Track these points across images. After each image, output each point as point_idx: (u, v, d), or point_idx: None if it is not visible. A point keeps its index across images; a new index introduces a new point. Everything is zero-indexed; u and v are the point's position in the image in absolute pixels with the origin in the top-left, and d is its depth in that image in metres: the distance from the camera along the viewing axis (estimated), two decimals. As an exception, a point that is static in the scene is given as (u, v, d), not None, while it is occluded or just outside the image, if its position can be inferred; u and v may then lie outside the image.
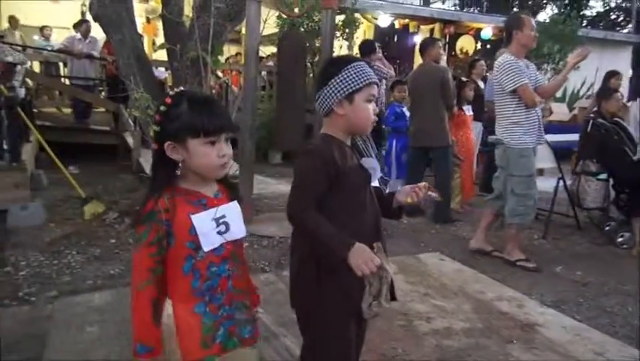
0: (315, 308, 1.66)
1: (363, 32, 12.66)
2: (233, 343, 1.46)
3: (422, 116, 5.14)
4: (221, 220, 1.42)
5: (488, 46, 13.32)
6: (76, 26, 8.25)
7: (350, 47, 11.17)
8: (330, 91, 1.66)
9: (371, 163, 1.82)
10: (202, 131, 1.36)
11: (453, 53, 12.92)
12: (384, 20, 11.93)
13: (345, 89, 1.64)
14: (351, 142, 1.77)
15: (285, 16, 7.58)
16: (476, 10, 23.23)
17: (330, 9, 4.55)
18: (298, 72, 4.51)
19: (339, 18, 10.03)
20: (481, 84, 6.21)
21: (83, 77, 8.18)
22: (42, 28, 9.34)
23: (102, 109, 8.41)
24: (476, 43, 12.94)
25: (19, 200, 4.49)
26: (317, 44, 8.21)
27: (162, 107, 1.38)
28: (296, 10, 6.87)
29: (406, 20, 12.61)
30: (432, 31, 12.72)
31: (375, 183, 1.83)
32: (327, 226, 1.55)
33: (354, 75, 1.65)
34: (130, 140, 7.04)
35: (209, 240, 1.40)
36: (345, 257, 1.50)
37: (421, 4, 19.72)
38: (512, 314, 3.10)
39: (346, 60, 1.72)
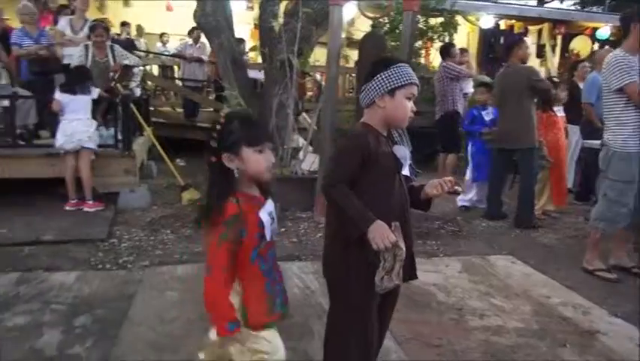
0: (340, 277, 1.86)
1: (467, 35, 12.42)
2: (286, 309, 1.76)
3: (507, 117, 5.03)
4: (271, 214, 1.69)
5: (607, 47, 12.38)
6: (190, 33, 9.09)
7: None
8: (375, 85, 1.85)
9: (402, 152, 1.96)
10: (253, 142, 1.61)
11: (566, 54, 12.18)
12: (486, 22, 11.59)
13: (388, 85, 1.83)
14: (387, 133, 1.94)
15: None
16: (598, 9, 21.53)
17: (410, 12, 4.64)
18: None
19: (438, 20, 9.99)
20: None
21: (192, 79, 8.98)
22: (161, 35, 10.40)
23: (209, 108, 9.18)
24: (593, 43, 12.07)
25: (129, 185, 5.15)
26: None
27: (218, 126, 1.61)
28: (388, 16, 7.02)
29: (512, 21, 12.14)
30: (540, 31, 12.13)
31: (405, 172, 1.98)
32: (353, 201, 1.74)
33: (397, 74, 1.83)
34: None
35: (269, 231, 1.67)
36: (364, 230, 1.68)
37: (535, 4, 18.74)
38: (574, 320, 3.01)
39: (392, 60, 1.94)
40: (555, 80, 5.55)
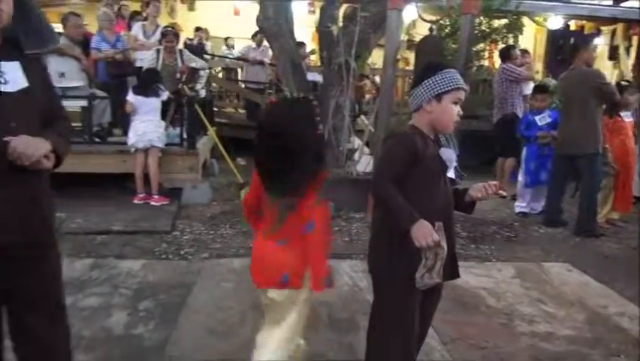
0: (384, 272, 1.93)
1: (534, 36, 12.03)
2: None
3: (569, 122, 4.89)
4: None
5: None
6: (253, 37, 9.39)
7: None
8: (423, 90, 1.91)
9: (448, 154, 2.01)
10: None
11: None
12: (555, 22, 11.18)
13: (435, 90, 1.89)
14: (434, 136, 2.00)
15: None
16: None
17: (469, 14, 4.62)
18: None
19: (502, 22, 9.76)
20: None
21: (255, 81, 9.28)
22: (226, 39, 10.80)
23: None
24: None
25: (192, 181, 5.44)
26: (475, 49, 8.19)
27: None
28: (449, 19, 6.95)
29: (583, 21, 11.65)
30: (614, 32, 11.55)
31: (450, 174, 2.02)
32: (399, 199, 1.80)
33: (445, 79, 1.89)
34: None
35: None
36: (408, 228, 1.75)
37: (609, 3, 17.77)
38: (630, 331, 2.92)
39: (440, 66, 1.98)
40: (624, 83, 5.31)
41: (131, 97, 5.19)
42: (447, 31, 8.46)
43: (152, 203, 5.15)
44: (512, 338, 2.78)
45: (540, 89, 5.67)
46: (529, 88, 6.26)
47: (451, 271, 1.94)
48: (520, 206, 5.55)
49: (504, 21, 9.69)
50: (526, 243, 4.59)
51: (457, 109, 1.92)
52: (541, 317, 3.04)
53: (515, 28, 10.05)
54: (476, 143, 6.90)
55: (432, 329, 2.75)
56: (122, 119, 6.12)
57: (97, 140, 5.62)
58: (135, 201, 5.15)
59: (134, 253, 3.86)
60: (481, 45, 8.86)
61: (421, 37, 7.53)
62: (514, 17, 10.50)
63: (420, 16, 5.53)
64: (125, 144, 5.28)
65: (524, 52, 6.66)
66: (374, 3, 5.42)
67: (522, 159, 5.57)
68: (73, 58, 5.59)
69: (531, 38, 11.22)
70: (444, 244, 1.77)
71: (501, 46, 9.57)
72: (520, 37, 11.00)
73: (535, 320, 2.99)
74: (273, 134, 1.82)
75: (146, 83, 5.24)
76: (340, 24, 5.57)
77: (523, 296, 3.33)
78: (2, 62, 1.51)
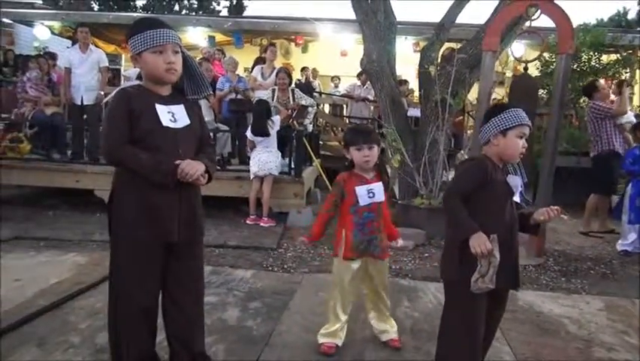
0: (453, 277, 2.26)
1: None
2: (377, 251, 2.77)
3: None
4: (371, 190, 2.74)
5: None
6: (358, 76, 10.05)
7: (631, 87, 10.31)
8: (490, 126, 2.28)
9: (515, 181, 2.32)
10: (352, 143, 2.75)
11: None
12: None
13: (501, 126, 2.24)
14: (502, 165, 2.33)
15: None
16: None
17: (564, 54, 4.78)
18: (527, 115, 4.85)
19: (612, 57, 9.48)
20: None
21: (358, 117, 9.88)
22: (332, 78, 11.61)
23: (372, 144, 9.95)
24: None
25: (296, 206, 6.05)
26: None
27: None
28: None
29: None
30: None
31: (516, 198, 2.33)
32: (464, 213, 2.15)
33: (509, 117, 2.24)
34: (389, 169, 8.26)
35: (364, 200, 2.72)
36: (467, 237, 2.09)
37: None
38: None
39: (505, 106, 2.36)
40: None
41: (249, 135, 5.94)
42: (539, 70, 8.51)
43: (262, 224, 5.81)
44: (587, 361, 2.90)
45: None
46: (625, 118, 6.10)
47: (512, 281, 2.23)
48: (623, 244, 5.42)
49: (615, 56, 9.46)
50: (622, 280, 4.52)
51: (522, 142, 2.24)
52: (622, 346, 3.10)
53: (629, 63, 9.74)
54: (579, 180, 6.82)
55: (508, 347, 3.00)
56: (239, 150, 6.98)
57: (218, 168, 6.45)
58: (248, 222, 5.84)
59: (246, 264, 4.46)
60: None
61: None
62: (629, 52, 10.17)
63: (513, 56, 5.72)
64: (241, 171, 6.04)
65: (620, 83, 6.47)
66: (470, 45, 5.76)
67: (626, 195, 5.46)
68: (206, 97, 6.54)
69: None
70: (497, 254, 2.07)
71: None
72: (638, 72, 10.59)
73: (614, 348, 3.06)
74: None
75: (260, 122, 5.91)
76: (438, 64, 5.95)
77: (607, 328, 3.39)
78: (173, 106, 2.15)
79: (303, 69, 10.80)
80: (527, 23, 5.10)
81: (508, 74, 10.51)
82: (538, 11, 4.81)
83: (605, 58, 9.32)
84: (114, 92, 2.19)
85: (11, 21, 12.22)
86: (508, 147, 2.23)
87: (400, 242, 3.02)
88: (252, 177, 5.86)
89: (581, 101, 8.46)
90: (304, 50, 12.40)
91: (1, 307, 3.15)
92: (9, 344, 2.74)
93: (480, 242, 2.06)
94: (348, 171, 2.80)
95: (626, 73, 9.74)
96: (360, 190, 2.72)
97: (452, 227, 2.25)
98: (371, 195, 2.73)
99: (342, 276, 2.81)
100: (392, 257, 4.72)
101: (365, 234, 2.74)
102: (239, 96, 7.14)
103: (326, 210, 2.84)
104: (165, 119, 2.12)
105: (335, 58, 11.71)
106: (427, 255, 4.92)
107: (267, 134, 5.85)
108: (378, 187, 2.76)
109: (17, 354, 2.64)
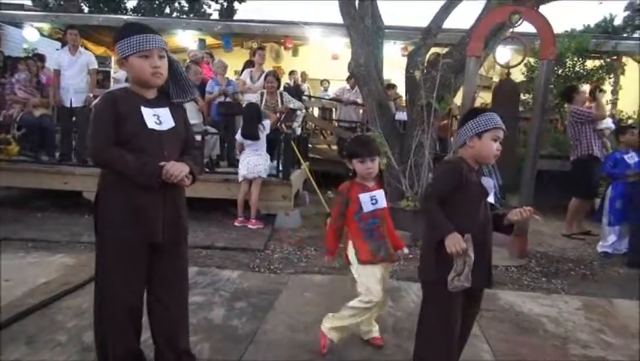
0: (429, 275, 2.33)
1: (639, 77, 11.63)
2: (389, 256, 2.89)
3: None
4: (374, 197, 2.85)
5: None
6: (347, 79, 10.14)
7: (614, 92, 10.49)
8: (466, 129, 2.36)
9: (488, 183, 2.41)
10: (355, 155, 2.83)
11: None
12: (659, 62, 10.76)
13: (476, 129, 2.32)
14: (478, 167, 2.41)
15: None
16: None
17: (546, 60, 4.89)
18: (508, 119, 4.95)
19: (595, 63, 9.65)
20: None
21: (347, 120, 9.97)
22: (322, 81, 11.69)
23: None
24: None
25: (284, 208, 6.11)
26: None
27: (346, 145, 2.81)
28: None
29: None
30: None
31: (490, 199, 2.41)
32: (440, 214, 2.24)
33: (484, 120, 2.33)
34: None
35: (367, 206, 2.82)
36: (442, 237, 2.17)
37: None
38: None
39: (481, 110, 2.45)
40: None
41: (239, 138, 5.98)
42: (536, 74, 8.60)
43: (250, 226, 5.86)
44: (562, 358, 2.99)
45: (630, 127, 5.71)
46: (603, 122, 6.26)
47: (485, 279, 2.31)
48: (603, 246, 5.55)
49: (599, 62, 9.62)
50: (602, 281, 4.64)
51: (496, 145, 2.32)
52: (597, 343, 3.20)
53: (612, 69, 9.91)
54: (562, 183, 6.95)
55: (487, 345, 3.09)
56: (228, 153, 7.02)
57: (206, 170, 6.50)
58: (236, 224, 5.89)
59: (233, 265, 4.52)
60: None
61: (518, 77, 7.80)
62: (613, 58, 10.34)
63: (496, 62, 5.83)
64: (230, 173, 6.09)
65: (593, 90, 6.69)
66: (455, 50, 5.86)
67: (606, 198, 5.59)
68: (192, 100, 6.58)
69: (635, 80, 10.83)
70: (471, 253, 2.15)
71: (606, 87, 9.48)
72: (623, 78, 10.77)
73: (590, 346, 3.16)
74: None
75: (250, 126, 5.94)
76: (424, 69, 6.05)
77: (584, 326, 3.49)
78: (158, 109, 2.21)
79: (292, 73, 10.87)
80: (510, 29, 5.22)
81: (496, 78, 10.66)
82: (521, 18, 4.92)
83: (589, 64, 9.49)
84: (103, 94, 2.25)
85: (0, 22, 12.18)
86: (483, 149, 2.32)
87: (406, 250, 3.14)
88: (240, 179, 5.91)
89: (566, 106, 8.61)
90: (294, 53, 12.47)
91: (-11, 307, 3.19)
92: (-3, 343, 2.78)
93: (455, 241, 2.14)
94: (350, 180, 2.92)
95: (610, 78, 9.93)
96: (364, 197, 2.83)
97: (429, 228, 2.33)
98: (374, 201, 2.85)
99: (370, 279, 2.81)
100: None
101: (375, 239, 2.85)
102: (228, 99, 7.19)
103: (334, 221, 2.94)
104: (150, 122, 2.18)
105: (325, 61, 11.79)
106: (411, 256, 4.97)
107: (257, 138, 5.90)
108: (379, 194, 2.89)
109: (7, 352, 2.68)
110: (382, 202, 2.90)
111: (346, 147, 3.01)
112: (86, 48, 8.18)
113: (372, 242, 2.84)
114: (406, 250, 3.12)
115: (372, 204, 2.85)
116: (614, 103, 10.42)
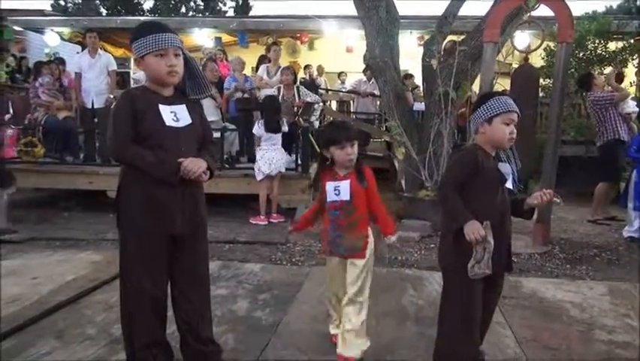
0: (450, 263, 2.34)
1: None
2: (343, 252, 2.69)
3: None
4: (337, 188, 2.65)
5: None
6: (364, 71, 10.11)
7: (638, 74, 10.23)
8: (477, 115, 2.36)
9: (506, 168, 2.39)
10: (333, 142, 2.63)
11: None
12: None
13: (487, 114, 2.31)
14: (495, 152, 2.40)
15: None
16: None
17: (564, 43, 4.81)
18: (527, 104, 4.88)
19: (618, 45, 9.42)
20: None
21: (365, 112, 9.94)
22: (339, 74, 11.67)
23: (379, 138, 10.01)
24: None
25: (304, 201, 6.13)
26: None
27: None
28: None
29: None
30: None
31: (508, 185, 2.40)
32: (458, 202, 2.23)
33: (495, 104, 2.31)
34: (396, 164, 8.31)
35: (330, 196, 2.67)
36: (461, 225, 2.17)
37: None
38: None
39: (492, 94, 2.42)
40: None
41: (257, 132, 5.98)
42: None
43: (271, 220, 5.91)
44: (587, 343, 2.96)
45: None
46: (629, 106, 6.13)
47: (505, 264, 2.30)
48: (629, 231, 5.45)
49: (622, 43, 9.39)
50: (627, 266, 4.56)
51: (509, 129, 2.30)
52: (622, 328, 3.16)
53: (636, 50, 9.66)
54: (587, 169, 6.85)
55: (510, 330, 3.08)
56: (248, 148, 7.08)
57: (226, 166, 6.58)
58: (257, 223, 5.93)
59: (255, 259, 4.58)
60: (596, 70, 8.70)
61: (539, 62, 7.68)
62: (637, 39, 10.08)
63: (514, 47, 5.75)
64: (249, 169, 6.14)
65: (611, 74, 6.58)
66: (471, 37, 5.80)
67: (631, 182, 5.48)
68: (210, 97, 6.66)
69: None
70: (491, 240, 2.14)
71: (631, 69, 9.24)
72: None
73: (615, 331, 3.12)
74: None
75: (272, 119, 5.92)
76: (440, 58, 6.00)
77: (610, 311, 3.44)
78: (175, 106, 2.26)
79: (306, 67, 10.88)
80: (527, 14, 5.14)
81: (515, 64, 10.51)
82: (537, 2, 4.84)
83: (611, 45, 9.27)
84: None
85: (22, 28, 12.46)
86: (494, 134, 2.30)
87: (393, 238, 2.80)
88: (260, 177, 5.90)
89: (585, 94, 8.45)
90: (310, 47, 12.47)
91: (21, 303, 3.30)
92: (29, 337, 2.88)
93: (474, 229, 2.13)
94: (324, 166, 2.75)
95: (633, 60, 9.68)
96: (329, 186, 2.67)
97: (447, 217, 2.33)
98: (337, 192, 2.65)
99: (326, 270, 2.84)
100: (398, 248, 4.83)
101: (334, 231, 2.69)
102: (245, 95, 7.25)
103: (315, 202, 2.94)
104: (168, 119, 2.23)
105: (341, 54, 11.77)
106: (432, 245, 5.00)
107: (280, 130, 5.94)
108: (344, 185, 2.64)
109: (37, 346, 2.78)
110: (345, 194, 2.63)
111: (322, 134, 2.88)
112: (105, 50, 8.32)
113: (332, 234, 2.70)
114: (393, 238, 2.79)
115: (335, 194, 2.65)
116: (639, 85, 10.17)
